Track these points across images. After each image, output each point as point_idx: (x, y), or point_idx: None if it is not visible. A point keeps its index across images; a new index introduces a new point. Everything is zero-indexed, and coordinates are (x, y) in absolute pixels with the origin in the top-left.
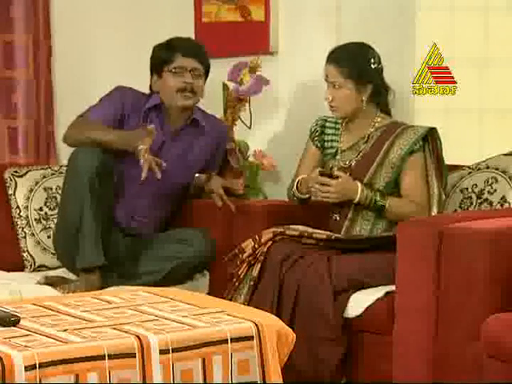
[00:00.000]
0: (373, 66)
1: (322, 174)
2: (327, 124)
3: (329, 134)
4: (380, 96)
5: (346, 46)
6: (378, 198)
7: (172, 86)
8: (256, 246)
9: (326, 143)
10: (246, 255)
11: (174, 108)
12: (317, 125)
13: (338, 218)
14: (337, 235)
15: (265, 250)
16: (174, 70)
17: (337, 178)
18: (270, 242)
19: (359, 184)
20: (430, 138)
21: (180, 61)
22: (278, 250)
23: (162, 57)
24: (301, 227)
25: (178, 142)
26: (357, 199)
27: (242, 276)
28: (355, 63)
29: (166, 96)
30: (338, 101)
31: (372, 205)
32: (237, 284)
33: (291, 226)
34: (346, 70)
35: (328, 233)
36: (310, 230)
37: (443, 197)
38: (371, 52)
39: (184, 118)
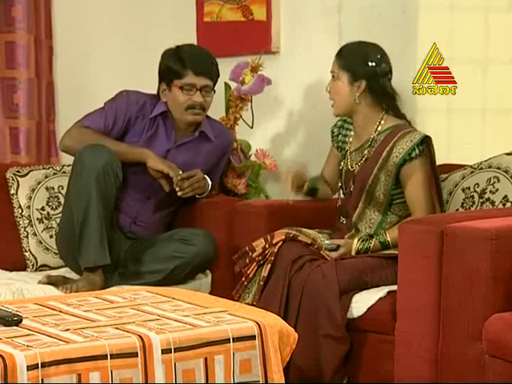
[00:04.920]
0: (370, 64)
1: (326, 249)
2: (345, 125)
3: (344, 136)
4: (376, 96)
5: (354, 42)
6: (378, 242)
7: (181, 103)
8: (267, 246)
9: (341, 144)
10: (255, 254)
11: (181, 121)
12: (335, 125)
13: (344, 222)
14: (343, 257)
15: (275, 250)
16: (183, 88)
17: (338, 246)
18: (280, 243)
19: (355, 241)
20: (426, 145)
21: (191, 79)
22: (288, 251)
23: (172, 69)
24: (312, 233)
25: (183, 150)
26: (353, 253)
27: (251, 276)
28: (353, 56)
29: (174, 109)
30: (334, 92)
31: (375, 249)
32: (246, 283)
33: (303, 230)
34: (343, 61)
35: (335, 251)
36: (319, 241)
37: (437, 207)
38: (375, 52)
39: (191, 128)
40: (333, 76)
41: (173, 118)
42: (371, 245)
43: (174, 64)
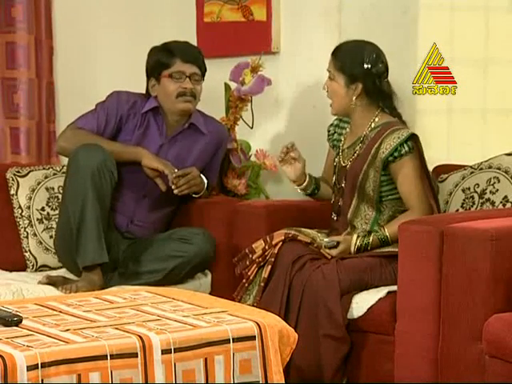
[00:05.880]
0: (365, 66)
1: (326, 246)
2: (341, 124)
3: (340, 134)
4: (372, 98)
5: (351, 41)
6: (377, 238)
7: (171, 92)
8: (266, 247)
9: (336, 142)
10: (255, 256)
11: (172, 112)
12: (331, 125)
13: (336, 218)
14: (343, 256)
15: (275, 251)
16: (173, 75)
17: (338, 243)
18: (280, 243)
19: (354, 237)
20: (413, 142)
21: (179, 66)
22: (288, 252)
23: (161, 61)
24: (311, 233)
25: (176, 145)
26: (352, 252)
27: (251, 277)
28: (348, 59)
29: (165, 101)
30: (331, 92)
31: (374, 245)
32: (246, 285)
33: (303, 230)
34: (339, 63)
35: (335, 248)
36: (318, 240)
37: (433, 204)
38: (370, 53)
39: (182, 121)
40: (329, 76)
41: (164, 113)
42: (370, 240)
43: (162, 56)
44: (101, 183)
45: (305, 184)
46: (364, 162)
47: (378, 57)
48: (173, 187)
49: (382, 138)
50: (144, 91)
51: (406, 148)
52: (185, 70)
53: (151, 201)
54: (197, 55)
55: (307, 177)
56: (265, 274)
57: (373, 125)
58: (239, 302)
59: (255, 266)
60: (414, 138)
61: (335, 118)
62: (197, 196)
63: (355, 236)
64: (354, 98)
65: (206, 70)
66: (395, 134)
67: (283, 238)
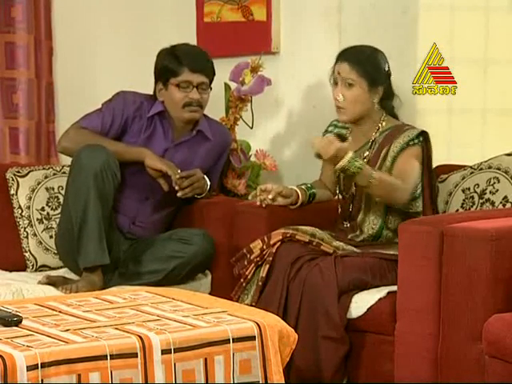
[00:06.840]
0: (386, 69)
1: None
2: (336, 130)
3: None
4: (388, 100)
5: (360, 46)
6: (366, 167)
7: (178, 101)
8: (264, 247)
9: None
10: (253, 256)
11: (178, 119)
12: (326, 131)
13: (348, 225)
14: (342, 252)
15: (273, 251)
16: (180, 85)
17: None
18: (278, 243)
19: (349, 153)
20: (423, 139)
21: (187, 76)
22: (286, 252)
23: (168, 68)
24: (309, 229)
25: (181, 149)
26: (341, 164)
27: (249, 277)
28: (370, 64)
29: (172, 108)
30: (349, 100)
31: (357, 170)
32: (244, 285)
33: (300, 228)
34: (361, 69)
35: (335, 243)
36: (318, 234)
37: (428, 206)
38: (382, 55)
39: (188, 127)
40: (346, 83)
41: (170, 117)
42: (361, 164)
43: (170, 62)
44: (103, 184)
45: (299, 202)
46: (375, 165)
47: (386, 58)
48: (176, 188)
49: (393, 140)
50: (144, 91)
51: (412, 142)
52: (192, 79)
53: (154, 202)
54: (205, 63)
55: (299, 195)
56: (263, 273)
57: (381, 129)
58: (237, 301)
59: (253, 265)
60: (423, 136)
61: (332, 121)
62: (199, 197)
63: (351, 153)
64: (376, 101)
65: (214, 74)
66: (406, 133)
67: (281, 237)
